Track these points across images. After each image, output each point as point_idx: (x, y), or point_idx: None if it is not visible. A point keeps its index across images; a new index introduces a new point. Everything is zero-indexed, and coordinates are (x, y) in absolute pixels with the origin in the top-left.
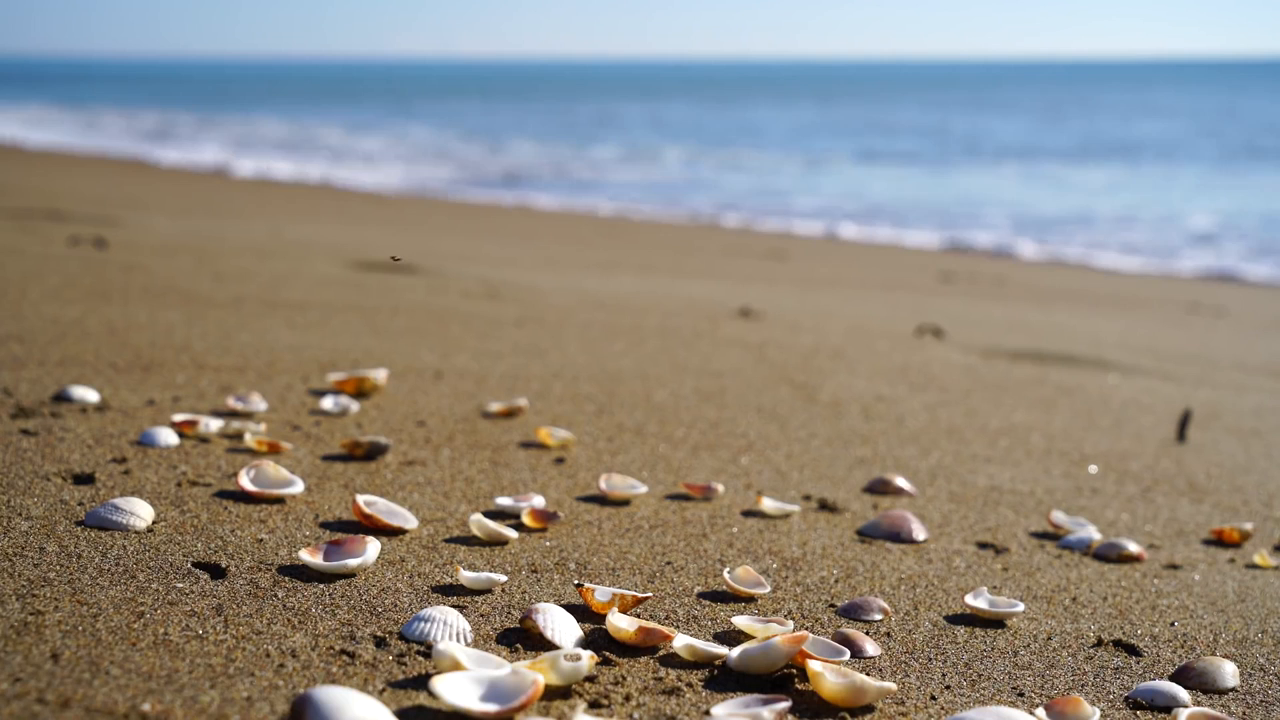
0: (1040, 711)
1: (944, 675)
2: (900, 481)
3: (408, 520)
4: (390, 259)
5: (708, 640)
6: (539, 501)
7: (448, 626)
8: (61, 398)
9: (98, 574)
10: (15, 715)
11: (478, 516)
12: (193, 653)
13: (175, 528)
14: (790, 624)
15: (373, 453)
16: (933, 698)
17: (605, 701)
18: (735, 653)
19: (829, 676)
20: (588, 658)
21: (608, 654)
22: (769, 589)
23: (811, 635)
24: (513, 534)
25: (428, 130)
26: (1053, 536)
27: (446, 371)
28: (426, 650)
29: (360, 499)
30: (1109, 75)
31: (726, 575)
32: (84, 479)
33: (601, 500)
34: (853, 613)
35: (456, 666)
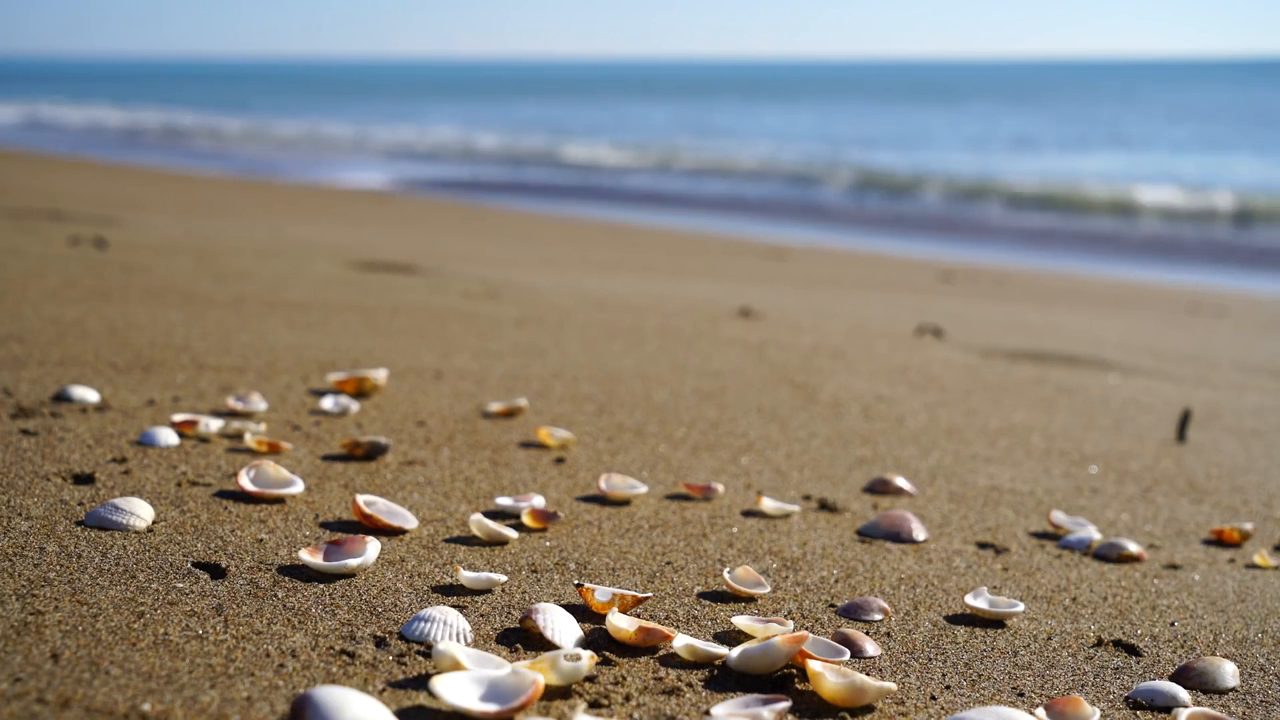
0: (1040, 711)
1: (944, 675)
2: (900, 481)
3: (408, 520)
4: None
5: (708, 640)
6: (539, 501)
7: (448, 626)
8: (61, 398)
9: (98, 574)
10: (15, 715)
11: (478, 516)
12: (193, 653)
13: (175, 528)
14: (790, 624)
15: (373, 453)
16: (933, 698)
17: (605, 701)
18: (735, 653)
19: (829, 676)
20: (588, 658)
21: (608, 654)
22: (769, 589)
23: (811, 635)
24: (513, 534)
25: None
26: (1053, 536)
27: (446, 371)
28: (426, 650)
29: (360, 499)
30: (1114, 75)
31: (726, 575)
32: (84, 479)
33: (601, 500)
34: (853, 613)
35: (456, 666)
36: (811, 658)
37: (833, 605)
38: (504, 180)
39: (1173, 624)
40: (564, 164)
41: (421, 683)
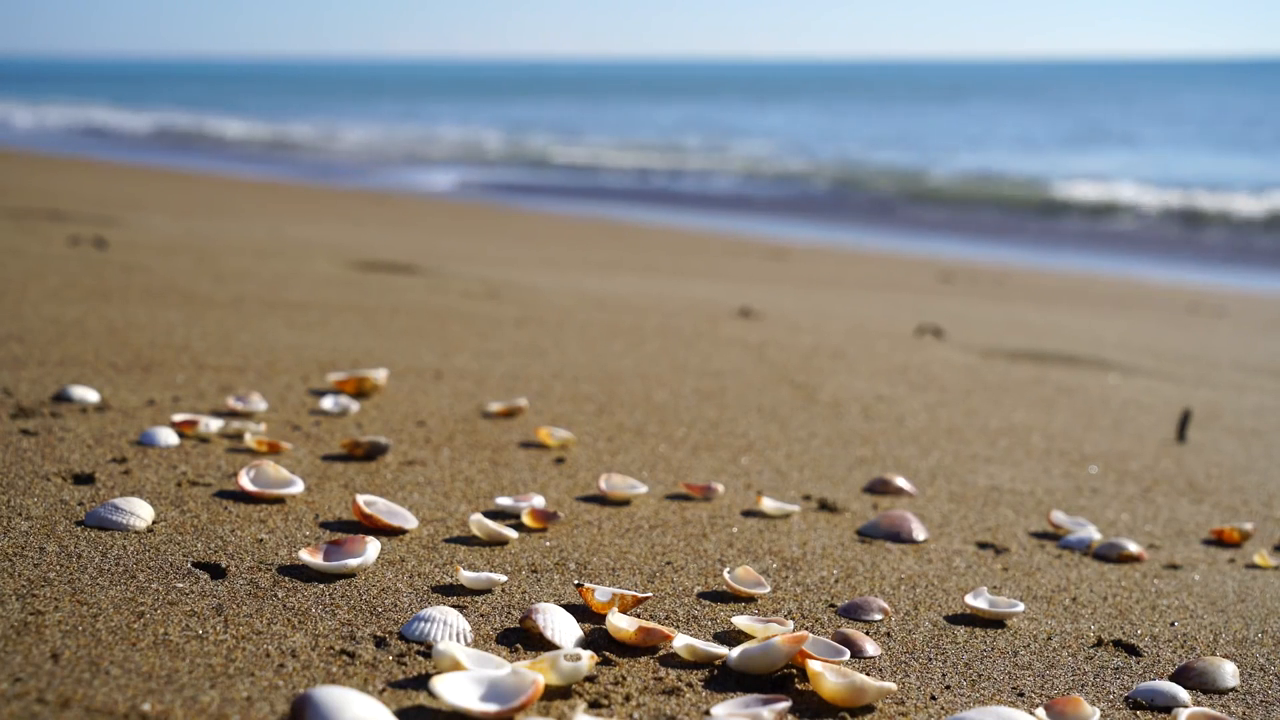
0: (1040, 711)
1: (944, 675)
2: (900, 481)
3: (408, 520)
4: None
5: (708, 640)
6: (539, 501)
7: (448, 626)
8: (61, 398)
9: (98, 574)
10: (15, 715)
11: (478, 516)
12: (193, 653)
13: (175, 528)
14: (790, 624)
15: (373, 453)
16: (933, 698)
17: (605, 701)
18: (735, 653)
19: (829, 676)
20: (588, 658)
21: (608, 654)
22: (769, 589)
23: (811, 635)
24: (513, 534)
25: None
26: (1053, 536)
27: (446, 371)
28: (426, 650)
29: (360, 499)
30: (1114, 75)
31: (726, 575)
32: (84, 479)
33: (601, 500)
34: (853, 613)
35: (456, 666)
36: (811, 658)
37: (833, 605)
38: (546, 183)
39: (1173, 624)
40: (567, 165)
41: (421, 683)
